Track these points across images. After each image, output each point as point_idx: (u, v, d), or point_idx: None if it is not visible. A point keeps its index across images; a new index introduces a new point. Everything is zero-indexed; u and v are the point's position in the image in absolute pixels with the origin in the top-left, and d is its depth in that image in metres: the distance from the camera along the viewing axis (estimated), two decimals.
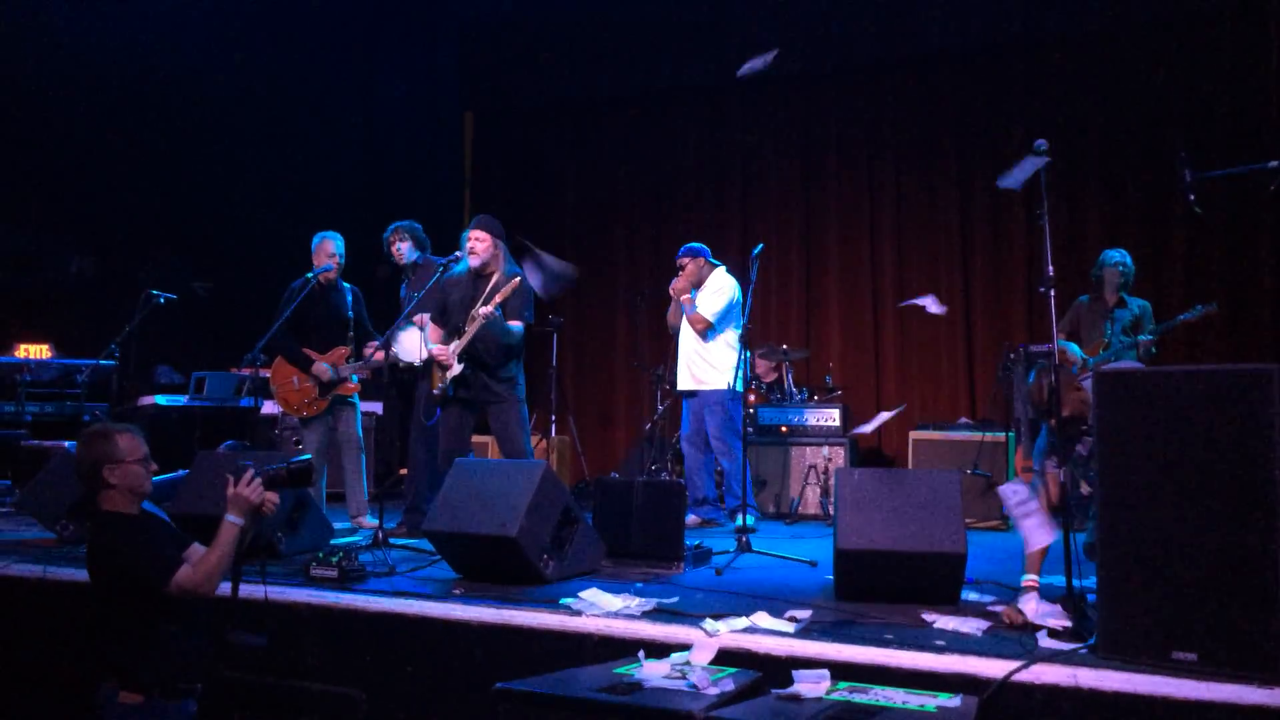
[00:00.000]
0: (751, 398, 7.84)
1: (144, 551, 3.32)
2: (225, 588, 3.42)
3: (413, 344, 6.11)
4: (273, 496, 3.44)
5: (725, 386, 6.64)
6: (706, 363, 6.81)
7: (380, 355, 5.91)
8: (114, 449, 3.39)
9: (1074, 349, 6.49)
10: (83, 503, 5.22)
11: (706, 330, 6.80)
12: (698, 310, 6.79)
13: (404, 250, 6.61)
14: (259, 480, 3.39)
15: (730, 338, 6.77)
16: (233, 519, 3.36)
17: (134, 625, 3.31)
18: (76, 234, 9.58)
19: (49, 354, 8.66)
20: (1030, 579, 3.83)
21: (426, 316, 6.09)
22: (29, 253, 9.40)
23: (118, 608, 3.33)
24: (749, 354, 6.23)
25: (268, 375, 6.55)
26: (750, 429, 7.56)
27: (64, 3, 8.66)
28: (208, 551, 3.35)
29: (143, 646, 3.30)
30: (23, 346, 8.65)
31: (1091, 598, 3.47)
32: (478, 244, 5.88)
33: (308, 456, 3.60)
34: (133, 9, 8.93)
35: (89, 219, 9.41)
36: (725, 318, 6.78)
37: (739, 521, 6.55)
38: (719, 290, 6.82)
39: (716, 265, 6.97)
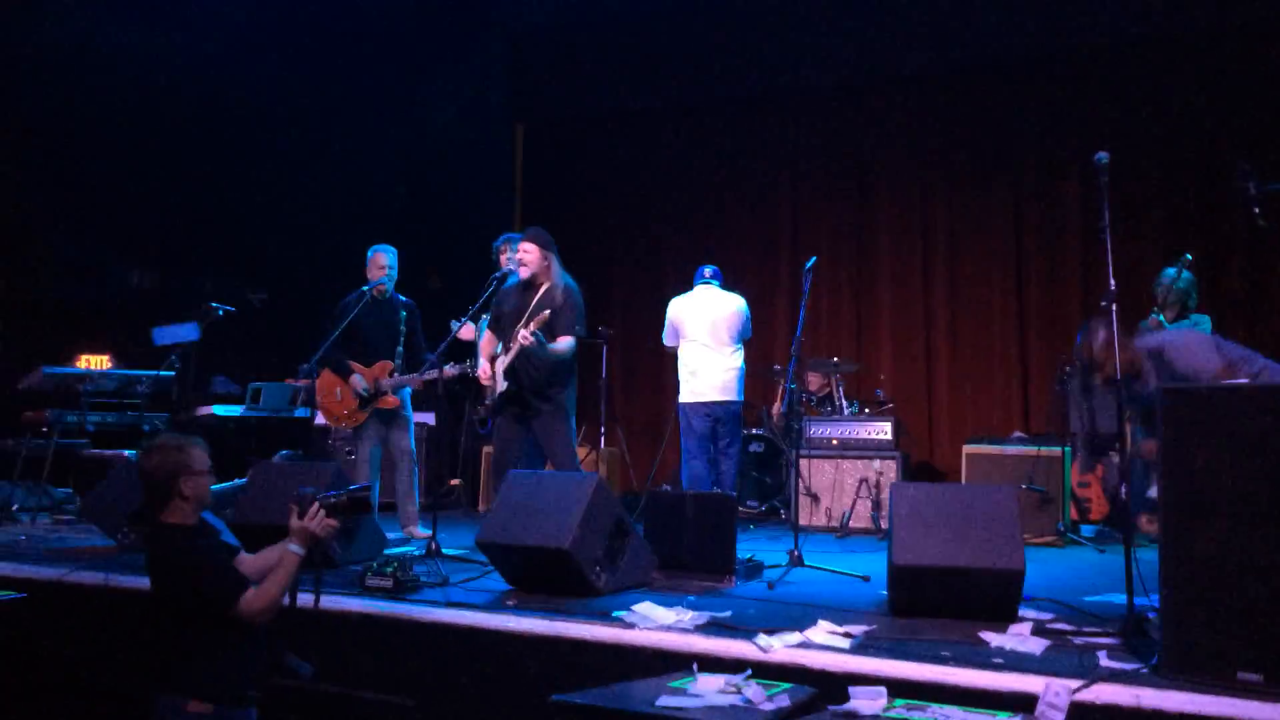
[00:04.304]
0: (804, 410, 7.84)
1: (210, 571, 3.35)
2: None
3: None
4: (333, 523, 3.49)
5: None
6: None
7: (450, 372, 6.02)
8: (191, 460, 3.43)
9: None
10: (141, 512, 5.29)
11: None
12: None
13: (512, 261, 6.49)
14: (323, 513, 3.44)
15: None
16: (295, 549, 3.40)
17: (200, 636, 3.33)
18: (137, 247, 9.78)
19: (109, 364, 8.81)
20: None
21: (472, 326, 6.09)
22: (90, 265, 9.61)
23: (184, 620, 3.35)
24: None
25: None
26: (803, 441, 7.55)
27: (123, 24, 8.84)
28: (269, 580, 3.37)
29: (210, 657, 3.33)
30: (84, 357, 8.82)
31: (1153, 615, 3.41)
32: (526, 255, 5.90)
33: (365, 484, 3.64)
34: (189, 28, 9.12)
35: (149, 232, 9.61)
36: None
37: None
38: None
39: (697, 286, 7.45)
